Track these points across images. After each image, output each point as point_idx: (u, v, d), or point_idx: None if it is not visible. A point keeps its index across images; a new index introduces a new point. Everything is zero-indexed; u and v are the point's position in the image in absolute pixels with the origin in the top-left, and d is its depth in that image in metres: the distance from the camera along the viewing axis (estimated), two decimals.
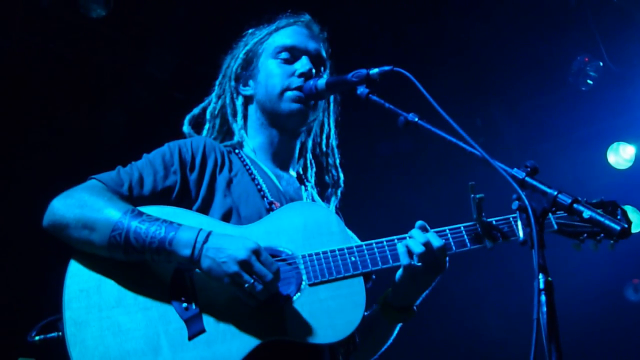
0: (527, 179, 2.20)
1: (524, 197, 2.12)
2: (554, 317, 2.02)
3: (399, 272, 2.89)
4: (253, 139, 3.15)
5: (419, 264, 2.81)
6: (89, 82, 6.01)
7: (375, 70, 2.77)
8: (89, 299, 2.57)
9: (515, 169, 2.25)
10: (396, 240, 2.88)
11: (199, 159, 2.91)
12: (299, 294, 2.70)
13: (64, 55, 5.84)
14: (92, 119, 6.00)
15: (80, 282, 2.60)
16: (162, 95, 5.93)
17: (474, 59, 6.62)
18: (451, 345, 6.92)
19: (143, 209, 2.69)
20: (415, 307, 3.01)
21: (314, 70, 3.08)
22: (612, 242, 2.97)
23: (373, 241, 2.87)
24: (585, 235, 3.00)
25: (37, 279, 5.55)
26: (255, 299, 2.57)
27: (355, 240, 2.97)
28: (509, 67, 6.60)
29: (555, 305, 2.06)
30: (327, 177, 3.31)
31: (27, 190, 5.65)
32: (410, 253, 2.82)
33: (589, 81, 6.65)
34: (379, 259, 2.84)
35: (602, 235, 2.97)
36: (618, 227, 2.02)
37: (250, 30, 3.27)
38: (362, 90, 2.77)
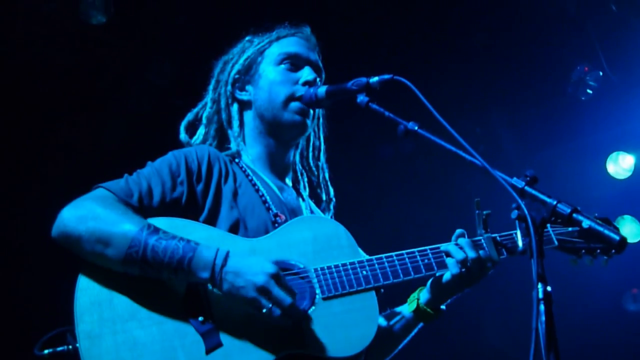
0: (527, 188, 2.21)
1: (523, 206, 2.12)
2: (553, 326, 2.02)
3: (447, 277, 2.91)
4: (251, 148, 3.14)
5: (458, 268, 2.87)
6: (89, 89, 6.01)
7: (375, 79, 2.77)
8: (102, 313, 2.53)
9: (515, 178, 2.25)
10: (405, 255, 2.91)
11: (204, 169, 2.88)
12: (313, 307, 2.70)
13: (64, 62, 5.83)
14: (91, 126, 5.99)
15: (91, 295, 2.56)
16: (162, 103, 5.92)
17: (474, 68, 6.63)
18: (450, 354, 6.91)
19: (155, 221, 2.65)
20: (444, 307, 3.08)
21: (318, 79, 3.11)
22: (606, 258, 3.08)
23: (383, 255, 2.90)
24: (583, 251, 3.08)
25: (40, 292, 5.56)
26: (275, 324, 2.57)
27: (363, 255, 2.97)
28: (509, 76, 6.61)
29: (554, 314, 2.06)
30: (319, 192, 3.31)
31: (27, 198, 5.65)
32: (458, 261, 2.88)
33: (588, 91, 6.66)
34: (389, 273, 2.85)
35: (598, 251, 3.06)
36: (617, 237, 2.02)
37: (247, 37, 3.26)
38: (362, 98, 2.78)
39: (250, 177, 3.01)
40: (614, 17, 6.27)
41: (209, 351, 2.52)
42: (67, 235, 2.59)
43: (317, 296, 2.71)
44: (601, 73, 6.57)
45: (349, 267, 2.81)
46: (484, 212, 2.99)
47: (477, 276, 2.94)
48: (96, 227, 2.56)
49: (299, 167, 3.34)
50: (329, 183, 3.34)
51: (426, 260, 2.92)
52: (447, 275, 2.92)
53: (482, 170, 2.33)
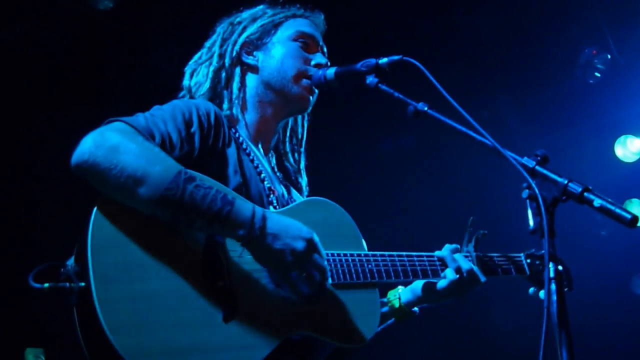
0: (538, 167, 2.20)
1: (534, 185, 2.12)
2: (564, 305, 2.02)
3: (442, 285, 3.06)
4: (247, 114, 3.05)
5: (457, 277, 3.05)
6: (95, 74, 6.01)
7: (384, 60, 2.75)
8: (117, 256, 2.33)
9: (526, 157, 2.25)
10: (405, 257, 3.00)
11: (213, 125, 2.76)
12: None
13: (70, 47, 5.83)
14: (97, 111, 5.98)
15: (107, 236, 2.35)
16: (168, 87, 5.90)
17: (481, 51, 6.61)
18: (461, 333, 6.93)
19: None
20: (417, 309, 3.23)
21: (329, 63, 3.09)
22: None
23: (386, 253, 2.96)
24: None
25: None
26: (302, 292, 2.54)
27: (365, 247, 2.99)
28: (516, 59, 6.59)
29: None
30: (298, 178, 3.25)
31: (31, 186, 5.67)
32: (453, 269, 3.06)
33: (596, 74, 6.63)
34: (391, 271, 2.92)
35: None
36: (629, 216, 2.02)
37: (261, 7, 3.20)
38: (371, 79, 2.75)
39: (245, 145, 2.93)
40: None
41: (226, 318, 2.42)
42: (93, 164, 2.35)
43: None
44: (609, 56, 6.55)
45: (356, 258, 2.83)
46: (480, 232, 3.23)
47: (467, 288, 3.10)
48: (129, 161, 2.35)
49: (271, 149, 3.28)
50: (304, 171, 3.28)
51: (423, 266, 3.04)
52: (442, 282, 3.06)
53: (492, 150, 2.33)
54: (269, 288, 2.57)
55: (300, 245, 2.48)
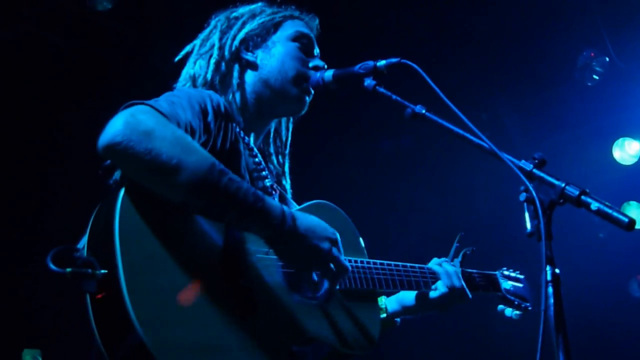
0: (535, 170, 2.21)
1: (531, 188, 2.12)
2: (561, 309, 2.02)
3: (432, 296, 3.18)
4: (243, 110, 2.99)
5: (447, 291, 3.19)
6: (94, 75, 6.01)
7: (382, 62, 2.74)
8: (142, 246, 2.25)
9: (523, 160, 2.25)
10: (401, 267, 3.08)
11: (224, 116, 2.72)
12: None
13: (69, 48, 5.83)
14: (96, 112, 5.97)
15: (135, 225, 2.27)
16: (168, 88, 5.88)
17: (480, 53, 6.61)
18: (458, 336, 6.92)
19: None
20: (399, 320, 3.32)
21: (326, 67, 3.07)
22: (520, 312, 3.63)
23: (385, 262, 3.01)
24: (516, 302, 3.61)
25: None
26: (320, 289, 2.59)
27: (365, 253, 3.02)
28: (515, 61, 6.59)
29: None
30: (282, 181, 3.23)
31: (28, 188, 5.66)
32: (445, 284, 3.20)
33: (595, 76, 6.65)
34: (390, 281, 2.98)
35: (523, 306, 3.61)
36: (626, 219, 2.02)
37: (259, 4, 3.17)
38: (369, 82, 2.74)
39: (247, 142, 2.89)
40: (621, 2, 6.24)
41: (245, 317, 2.39)
42: (126, 147, 2.23)
43: None
44: (607, 59, 6.56)
45: (360, 265, 2.86)
46: (469, 248, 3.38)
47: (456, 303, 3.24)
48: (165, 148, 2.25)
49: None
50: (288, 174, 3.25)
51: (416, 278, 3.12)
52: (432, 294, 3.17)
53: (490, 153, 2.33)
54: (284, 291, 2.58)
55: (326, 245, 2.51)
